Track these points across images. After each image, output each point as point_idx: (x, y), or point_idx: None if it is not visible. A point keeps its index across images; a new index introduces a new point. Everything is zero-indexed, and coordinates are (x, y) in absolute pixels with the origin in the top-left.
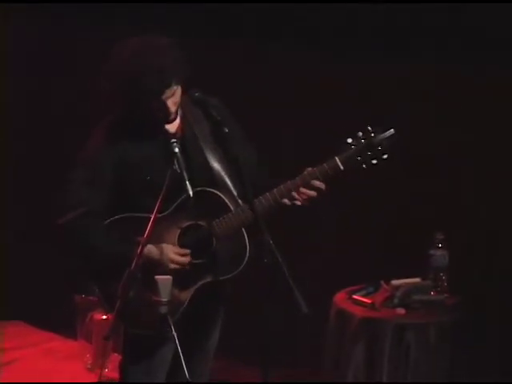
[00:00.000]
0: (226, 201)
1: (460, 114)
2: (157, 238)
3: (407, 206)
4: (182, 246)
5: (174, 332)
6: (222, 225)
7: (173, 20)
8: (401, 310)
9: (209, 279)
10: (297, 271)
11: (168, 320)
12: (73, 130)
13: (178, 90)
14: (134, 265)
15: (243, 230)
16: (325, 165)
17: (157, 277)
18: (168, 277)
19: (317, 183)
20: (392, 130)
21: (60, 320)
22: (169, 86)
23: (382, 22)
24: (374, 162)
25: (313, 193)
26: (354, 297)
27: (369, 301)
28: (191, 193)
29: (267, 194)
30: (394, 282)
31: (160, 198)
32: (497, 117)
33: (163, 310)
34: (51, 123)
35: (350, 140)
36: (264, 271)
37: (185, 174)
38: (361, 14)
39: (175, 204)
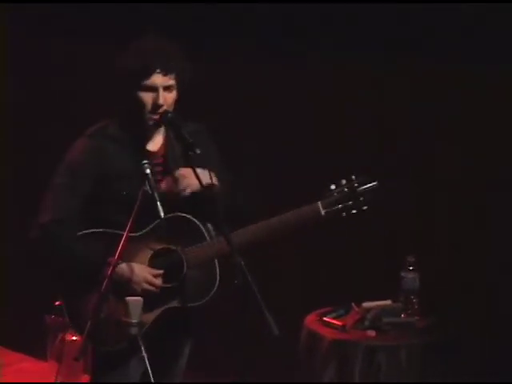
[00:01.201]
0: (202, 228)
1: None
2: (127, 258)
3: (378, 229)
4: (152, 268)
5: (143, 353)
6: (194, 252)
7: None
8: (371, 333)
9: (175, 304)
10: (268, 293)
11: (138, 341)
12: (71, 132)
13: (173, 86)
14: (104, 286)
15: (215, 260)
16: (306, 208)
17: (127, 298)
18: (139, 298)
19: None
20: (375, 182)
21: (30, 341)
22: (153, 69)
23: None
24: (354, 211)
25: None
26: (325, 319)
27: (340, 323)
28: (162, 214)
29: (243, 229)
30: (365, 305)
31: (131, 217)
32: (472, 139)
33: (133, 331)
34: (51, 123)
35: (333, 187)
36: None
37: (156, 196)
38: None
39: (150, 226)
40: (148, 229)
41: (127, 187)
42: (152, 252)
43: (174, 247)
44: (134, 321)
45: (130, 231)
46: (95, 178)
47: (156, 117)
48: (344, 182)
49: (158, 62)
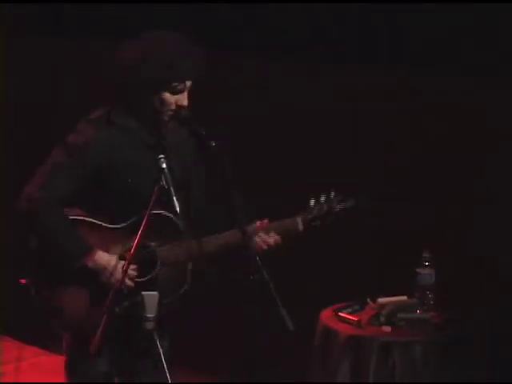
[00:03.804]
0: (182, 230)
1: (446, 135)
2: (104, 248)
3: (394, 225)
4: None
5: (159, 348)
6: (170, 251)
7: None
8: (387, 328)
9: None
10: (283, 288)
11: (154, 336)
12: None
13: (187, 88)
14: (119, 282)
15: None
16: (285, 222)
17: (143, 293)
18: (154, 292)
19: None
20: (353, 200)
21: (46, 335)
22: (188, 77)
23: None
24: (327, 223)
25: (270, 242)
26: (340, 314)
27: (355, 318)
28: (178, 209)
29: (215, 236)
30: (381, 300)
31: (148, 210)
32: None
33: (149, 325)
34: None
35: (312, 202)
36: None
37: (172, 191)
38: None
39: (133, 219)
40: (130, 222)
41: (133, 176)
42: (127, 246)
43: (150, 243)
44: (149, 315)
45: (112, 223)
46: (96, 165)
47: (171, 112)
48: (323, 198)
49: (193, 70)
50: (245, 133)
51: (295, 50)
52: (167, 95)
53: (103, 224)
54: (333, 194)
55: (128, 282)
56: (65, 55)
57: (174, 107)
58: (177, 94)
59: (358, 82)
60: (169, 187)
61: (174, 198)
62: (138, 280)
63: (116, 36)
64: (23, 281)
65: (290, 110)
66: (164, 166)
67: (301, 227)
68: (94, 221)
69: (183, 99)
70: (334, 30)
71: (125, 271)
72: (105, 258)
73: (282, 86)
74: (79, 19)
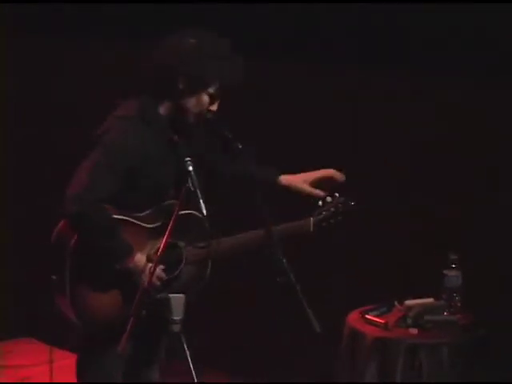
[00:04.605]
0: (209, 230)
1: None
2: (137, 248)
3: (421, 227)
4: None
5: (186, 350)
6: (194, 251)
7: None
8: (413, 331)
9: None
10: (310, 291)
11: (181, 338)
12: (71, 129)
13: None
14: (147, 283)
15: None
16: (298, 223)
17: (170, 295)
18: (181, 295)
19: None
20: (354, 203)
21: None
22: (229, 85)
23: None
24: (332, 222)
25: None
26: (367, 316)
27: (382, 321)
28: (205, 212)
29: (229, 237)
30: (408, 303)
31: (175, 213)
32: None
33: (176, 328)
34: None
35: (320, 203)
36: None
37: (198, 193)
38: None
39: (162, 221)
40: (160, 222)
41: (159, 173)
42: (155, 246)
43: (179, 243)
44: (176, 318)
45: (145, 223)
46: (132, 163)
47: (200, 115)
48: (329, 199)
49: (237, 77)
50: (245, 133)
51: (295, 49)
52: (204, 97)
53: (142, 224)
54: (337, 194)
55: (156, 281)
56: (65, 55)
57: (204, 110)
58: (213, 97)
59: (358, 82)
60: (195, 189)
61: (201, 201)
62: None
63: (116, 36)
64: (54, 277)
65: (290, 110)
66: (190, 168)
67: (312, 228)
68: (134, 220)
69: (215, 104)
70: (333, 30)
71: (152, 273)
72: (143, 260)
73: (282, 85)
74: (79, 19)
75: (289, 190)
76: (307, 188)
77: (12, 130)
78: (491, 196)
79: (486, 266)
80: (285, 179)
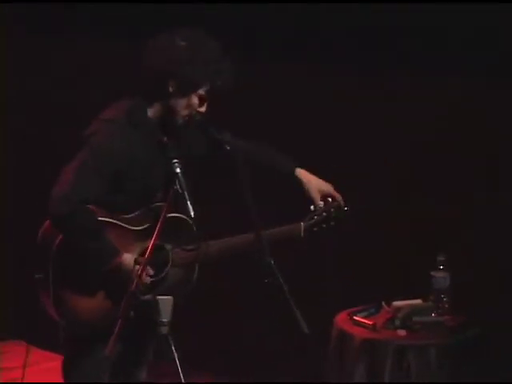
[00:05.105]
0: (196, 233)
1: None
2: (124, 250)
3: (409, 228)
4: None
5: (174, 353)
6: (181, 254)
7: None
8: (402, 332)
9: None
10: (298, 292)
11: (169, 340)
12: (71, 129)
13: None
14: (134, 285)
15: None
16: (288, 227)
17: (158, 297)
18: (169, 297)
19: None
20: (347, 208)
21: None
22: (220, 88)
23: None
24: (323, 227)
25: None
26: (355, 318)
27: (370, 322)
28: (192, 213)
29: (218, 241)
30: (396, 304)
31: (162, 216)
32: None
33: (164, 330)
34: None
35: (312, 208)
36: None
37: (186, 195)
38: None
39: (149, 224)
40: (148, 224)
41: (146, 175)
42: (144, 247)
43: (166, 246)
44: (164, 320)
45: (132, 225)
46: (118, 167)
47: (188, 116)
48: (321, 204)
49: (226, 81)
50: (244, 133)
51: (295, 49)
52: (194, 99)
53: (127, 226)
54: (330, 199)
55: (144, 279)
56: (65, 55)
57: (194, 111)
58: (202, 99)
59: (358, 82)
60: (183, 191)
61: (188, 202)
62: (151, 279)
63: (116, 36)
64: (38, 276)
65: (290, 110)
66: (178, 170)
67: (303, 233)
68: (120, 223)
69: (204, 106)
70: (333, 30)
71: (139, 275)
72: (130, 262)
73: (282, 85)
74: (79, 19)
75: (299, 186)
76: (317, 197)
77: (12, 130)
78: (491, 196)
79: (486, 266)
80: (303, 175)
